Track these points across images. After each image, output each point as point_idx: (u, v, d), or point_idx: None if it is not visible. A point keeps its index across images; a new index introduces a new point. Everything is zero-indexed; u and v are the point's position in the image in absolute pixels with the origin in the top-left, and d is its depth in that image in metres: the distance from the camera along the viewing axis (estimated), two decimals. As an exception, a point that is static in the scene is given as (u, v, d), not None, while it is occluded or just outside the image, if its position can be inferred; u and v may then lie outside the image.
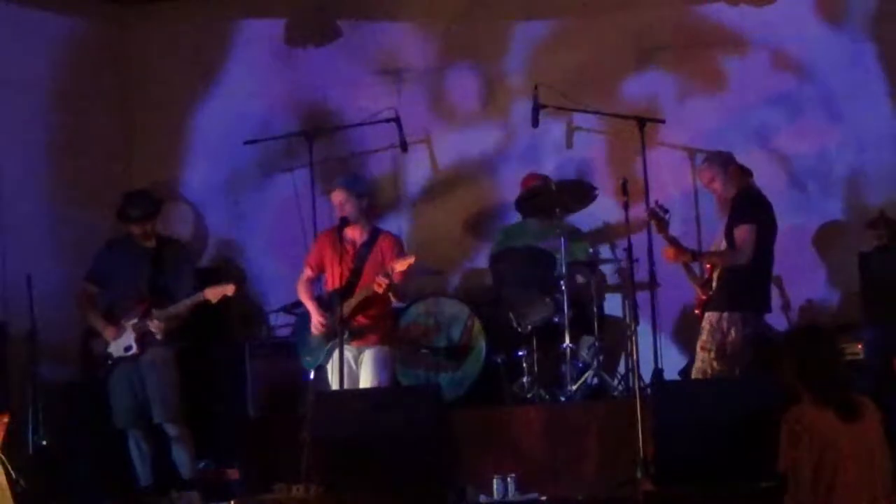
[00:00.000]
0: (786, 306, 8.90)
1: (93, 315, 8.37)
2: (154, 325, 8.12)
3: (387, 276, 7.71)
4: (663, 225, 7.93)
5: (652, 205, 8.01)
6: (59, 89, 9.45)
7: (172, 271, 8.35)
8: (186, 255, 8.68)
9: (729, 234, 7.78)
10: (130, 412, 8.24)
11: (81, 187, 9.51)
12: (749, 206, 7.77)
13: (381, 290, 7.76)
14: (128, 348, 8.20)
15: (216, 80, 10.01)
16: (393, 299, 8.04)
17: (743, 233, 7.68)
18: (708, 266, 7.98)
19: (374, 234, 8.09)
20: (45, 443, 8.27)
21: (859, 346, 8.14)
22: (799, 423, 5.35)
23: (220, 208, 9.97)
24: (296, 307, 9.14)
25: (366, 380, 7.94)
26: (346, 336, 7.79)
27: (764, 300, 7.84)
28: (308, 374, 8.12)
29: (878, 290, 8.20)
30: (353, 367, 7.98)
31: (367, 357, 7.96)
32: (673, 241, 7.94)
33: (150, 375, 8.18)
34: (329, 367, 7.94)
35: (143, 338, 8.19)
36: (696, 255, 7.98)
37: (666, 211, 7.94)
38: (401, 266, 7.72)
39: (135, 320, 8.20)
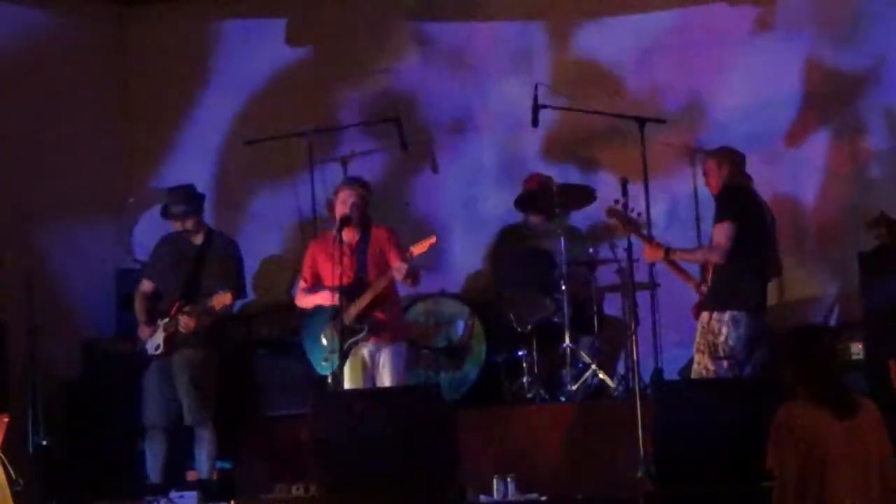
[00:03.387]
0: (785, 306, 8.89)
1: (140, 311, 8.38)
2: (183, 322, 8.09)
3: (406, 260, 7.67)
4: (633, 224, 7.89)
5: (612, 204, 8.01)
6: (59, 88, 9.45)
7: (215, 269, 8.28)
8: (232, 252, 8.48)
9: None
10: (158, 411, 8.21)
11: (81, 187, 9.51)
12: (728, 203, 7.65)
13: (400, 277, 7.70)
14: (157, 347, 8.18)
15: (216, 80, 10.01)
16: (409, 284, 7.95)
17: (719, 231, 7.57)
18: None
19: (366, 230, 8.01)
20: (45, 443, 8.28)
21: (859, 346, 8.13)
22: (785, 421, 5.33)
23: (220, 208, 9.95)
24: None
25: (387, 379, 7.89)
26: (364, 333, 7.78)
27: (756, 300, 7.68)
28: (312, 374, 8.11)
29: (878, 290, 8.19)
30: (369, 364, 7.94)
31: (386, 355, 7.92)
32: (645, 238, 7.92)
33: (181, 377, 8.14)
34: (346, 366, 7.85)
35: (172, 338, 8.15)
36: (669, 252, 7.83)
37: (632, 209, 7.91)
38: (420, 248, 7.67)
39: (166, 319, 8.20)
